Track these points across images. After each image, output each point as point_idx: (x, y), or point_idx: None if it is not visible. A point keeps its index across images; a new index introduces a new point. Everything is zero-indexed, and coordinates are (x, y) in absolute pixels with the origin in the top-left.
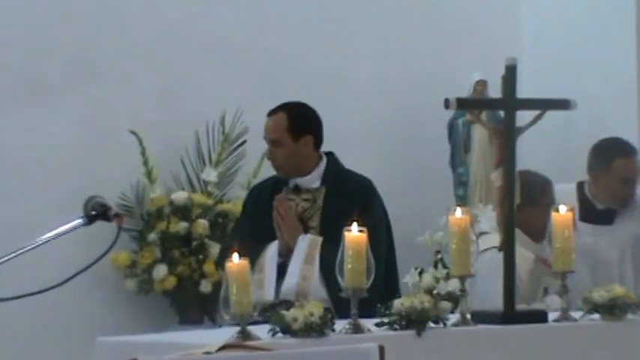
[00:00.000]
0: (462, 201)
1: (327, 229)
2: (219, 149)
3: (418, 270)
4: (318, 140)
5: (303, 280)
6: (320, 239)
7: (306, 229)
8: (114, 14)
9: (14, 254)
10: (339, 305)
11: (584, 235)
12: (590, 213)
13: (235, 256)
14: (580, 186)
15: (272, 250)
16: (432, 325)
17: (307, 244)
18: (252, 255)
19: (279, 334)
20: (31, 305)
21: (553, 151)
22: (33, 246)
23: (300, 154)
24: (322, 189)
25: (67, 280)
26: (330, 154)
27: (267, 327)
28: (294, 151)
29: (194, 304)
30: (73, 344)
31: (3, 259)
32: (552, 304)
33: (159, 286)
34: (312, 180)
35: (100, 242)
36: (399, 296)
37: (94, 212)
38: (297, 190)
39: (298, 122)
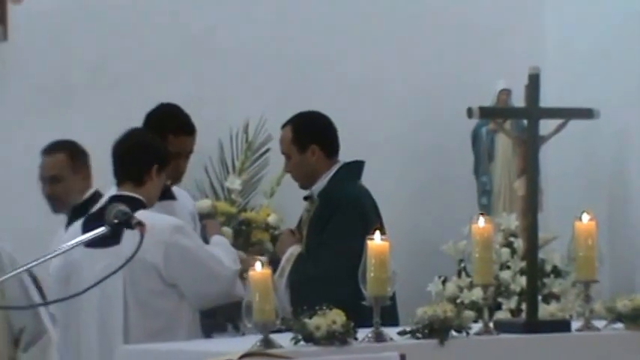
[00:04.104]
0: (486, 210)
1: (307, 242)
2: (243, 157)
3: (442, 279)
4: (328, 148)
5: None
6: (296, 252)
7: (302, 240)
8: (139, 23)
9: (40, 260)
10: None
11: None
12: None
13: (258, 264)
14: None
15: (288, 254)
16: (454, 333)
17: (285, 257)
18: None
19: (302, 343)
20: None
21: (578, 162)
22: (58, 252)
23: (307, 165)
24: (317, 201)
25: (92, 286)
26: (349, 164)
27: (290, 335)
28: (302, 162)
29: (218, 312)
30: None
31: (29, 265)
32: None
33: None
34: (316, 191)
35: None
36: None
37: (116, 220)
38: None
39: (302, 133)
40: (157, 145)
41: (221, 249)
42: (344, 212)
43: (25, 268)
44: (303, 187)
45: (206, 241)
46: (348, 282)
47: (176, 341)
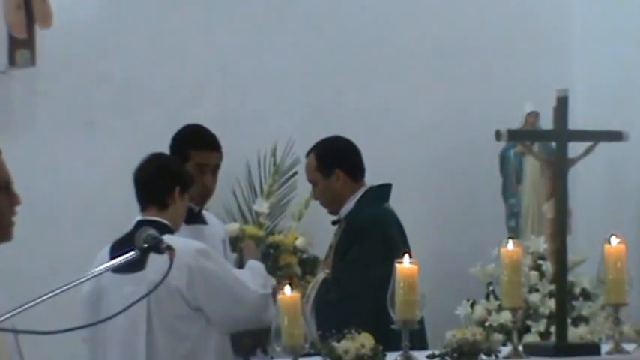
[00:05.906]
0: (514, 232)
1: (333, 266)
2: (271, 180)
3: (470, 302)
4: (352, 171)
5: None
6: (321, 278)
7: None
8: (167, 44)
9: (72, 284)
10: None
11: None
12: None
13: (287, 288)
14: None
15: (314, 280)
16: (483, 357)
17: (311, 285)
18: None
19: None
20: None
21: (607, 184)
22: (88, 277)
23: (334, 190)
24: (343, 224)
25: (122, 311)
26: (375, 187)
27: (319, 359)
28: (328, 187)
29: (246, 335)
30: None
31: (61, 289)
32: None
33: None
34: (343, 214)
35: None
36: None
37: (146, 244)
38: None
39: (325, 159)
40: (178, 168)
41: (252, 273)
42: (366, 236)
43: (54, 293)
44: (332, 212)
45: (242, 265)
46: (370, 305)
47: None
